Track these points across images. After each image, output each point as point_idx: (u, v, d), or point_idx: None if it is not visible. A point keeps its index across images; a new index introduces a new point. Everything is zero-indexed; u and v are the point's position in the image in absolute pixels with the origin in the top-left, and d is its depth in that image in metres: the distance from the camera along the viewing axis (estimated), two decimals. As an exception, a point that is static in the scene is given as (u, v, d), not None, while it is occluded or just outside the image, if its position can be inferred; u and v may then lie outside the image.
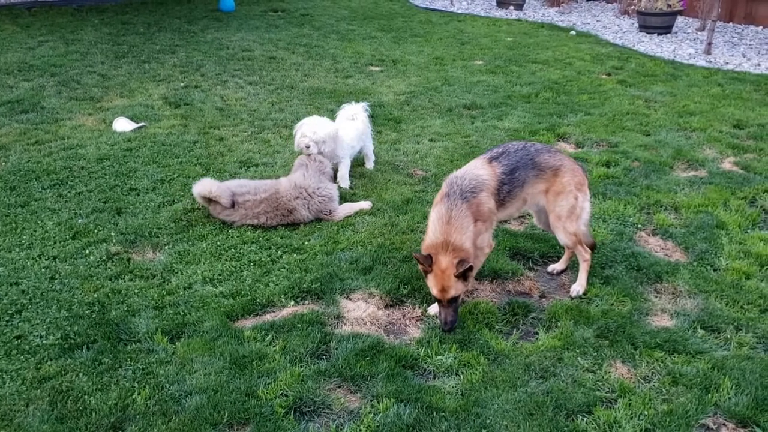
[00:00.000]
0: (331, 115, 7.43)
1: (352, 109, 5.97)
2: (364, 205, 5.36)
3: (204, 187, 5.04)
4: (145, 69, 9.20)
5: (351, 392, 3.45)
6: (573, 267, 4.54)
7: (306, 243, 4.83)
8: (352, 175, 5.83)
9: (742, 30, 12.16)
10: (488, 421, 3.22)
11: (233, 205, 4.98)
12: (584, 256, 4.28)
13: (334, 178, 5.61)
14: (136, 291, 4.22)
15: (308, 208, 5.05)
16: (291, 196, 5.01)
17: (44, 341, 3.73)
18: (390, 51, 10.53)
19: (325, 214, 5.15)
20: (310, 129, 5.40)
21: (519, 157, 4.08)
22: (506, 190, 4.01)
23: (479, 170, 4.03)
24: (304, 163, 5.30)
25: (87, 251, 4.66)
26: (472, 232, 3.83)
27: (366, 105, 6.08)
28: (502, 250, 4.73)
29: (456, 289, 3.72)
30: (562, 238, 4.21)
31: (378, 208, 5.35)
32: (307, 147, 5.37)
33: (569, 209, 4.10)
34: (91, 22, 11.98)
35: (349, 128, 5.82)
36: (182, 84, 8.56)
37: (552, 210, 4.14)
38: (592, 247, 4.45)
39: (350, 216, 5.22)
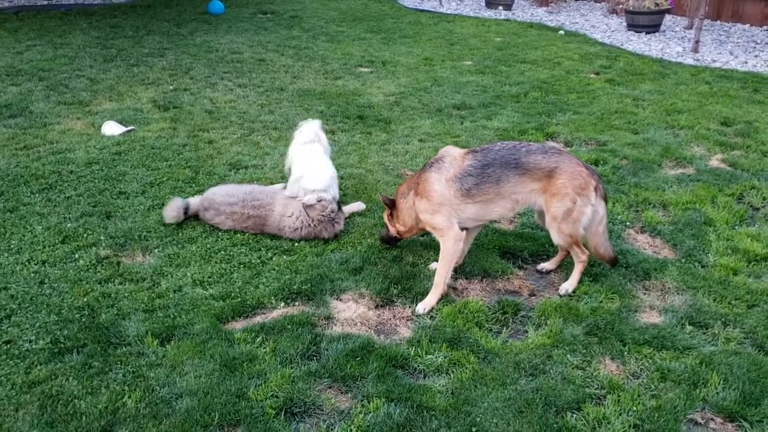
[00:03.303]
0: (323, 115, 7.46)
1: (312, 129, 5.45)
2: (358, 207, 5.35)
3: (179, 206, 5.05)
4: (134, 72, 9.18)
5: (341, 392, 3.46)
6: (563, 266, 4.57)
7: (296, 244, 4.83)
8: (341, 176, 5.74)
9: (730, 28, 12.24)
10: (478, 419, 3.24)
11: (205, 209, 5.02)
12: (580, 257, 4.28)
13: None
14: (125, 294, 4.21)
15: (294, 235, 4.94)
16: (275, 227, 4.93)
17: (34, 346, 3.72)
18: (379, 52, 10.55)
19: None
20: (312, 183, 5.01)
21: (500, 156, 4.11)
22: (471, 182, 4.08)
23: (448, 155, 4.22)
24: (301, 216, 4.89)
25: (76, 255, 4.64)
26: (411, 199, 4.29)
27: (319, 122, 5.61)
28: (491, 249, 4.75)
29: (385, 216, 4.60)
30: (556, 239, 4.21)
31: (368, 209, 5.36)
32: (320, 200, 4.89)
33: (565, 212, 4.07)
34: (79, 25, 11.94)
35: (316, 162, 5.22)
36: (171, 87, 8.54)
37: (548, 210, 4.14)
38: (613, 262, 4.40)
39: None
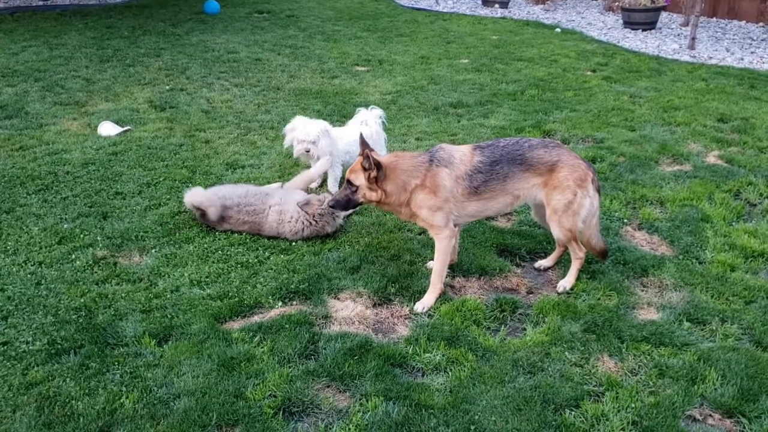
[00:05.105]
0: (319, 115, 7.45)
1: (365, 115, 5.84)
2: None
3: (195, 197, 4.95)
4: (130, 72, 9.16)
5: (340, 391, 3.45)
6: (560, 263, 4.56)
7: (293, 244, 4.82)
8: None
9: (726, 25, 12.26)
10: (477, 417, 3.24)
11: (222, 219, 4.91)
12: (578, 254, 4.29)
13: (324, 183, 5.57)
14: (123, 295, 4.20)
15: (296, 237, 4.93)
16: (273, 231, 4.89)
17: (31, 347, 3.71)
18: (376, 51, 10.54)
19: None
20: (303, 131, 5.38)
21: (506, 152, 4.11)
22: (481, 179, 4.07)
23: (457, 151, 4.16)
24: (300, 217, 4.86)
25: (73, 256, 4.63)
26: (413, 185, 4.06)
27: (381, 113, 5.93)
28: (489, 247, 4.74)
29: (356, 176, 4.10)
30: (556, 232, 4.22)
31: (365, 208, 5.35)
32: (308, 151, 5.38)
33: (565, 204, 4.10)
34: (74, 26, 11.91)
35: (349, 133, 5.67)
36: (167, 87, 8.53)
37: (548, 204, 4.16)
38: (603, 254, 4.42)
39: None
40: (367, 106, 6.06)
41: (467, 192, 4.09)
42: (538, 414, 3.25)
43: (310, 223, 4.82)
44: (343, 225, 5.02)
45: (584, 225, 4.21)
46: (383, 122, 5.94)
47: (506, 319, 4.05)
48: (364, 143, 4.10)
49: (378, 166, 4.03)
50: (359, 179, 4.11)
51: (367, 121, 5.78)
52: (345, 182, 4.19)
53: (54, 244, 4.78)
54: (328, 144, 5.47)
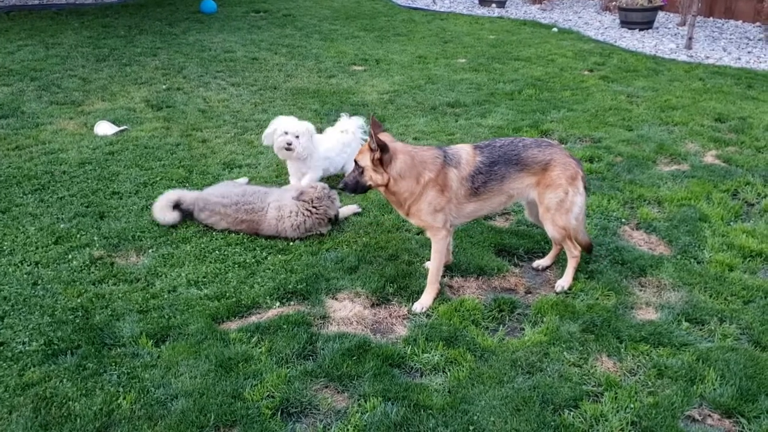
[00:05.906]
0: (316, 115, 7.44)
1: (346, 123, 5.87)
2: (353, 210, 5.30)
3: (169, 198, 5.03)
4: (127, 72, 9.12)
5: (338, 392, 3.44)
6: (558, 263, 4.56)
7: (291, 243, 4.81)
8: (337, 175, 5.76)
9: (722, 25, 12.28)
10: (475, 418, 3.23)
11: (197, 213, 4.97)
12: (573, 253, 4.30)
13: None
14: (119, 295, 4.18)
15: (298, 232, 4.92)
16: (272, 230, 4.87)
17: (27, 347, 3.69)
18: (373, 50, 10.52)
19: None
20: (287, 126, 5.41)
21: (503, 152, 4.12)
22: (481, 180, 4.08)
23: (463, 151, 4.16)
24: (299, 209, 4.85)
25: (70, 256, 4.61)
26: (425, 178, 3.99)
27: (361, 122, 5.92)
28: (487, 247, 4.74)
29: (362, 157, 4.01)
30: (550, 231, 4.23)
31: (363, 208, 5.34)
32: (289, 144, 5.37)
33: (558, 202, 4.12)
34: (71, 25, 11.86)
35: (329, 139, 5.76)
36: (164, 86, 8.50)
37: (542, 202, 4.18)
38: (588, 248, 4.45)
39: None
40: (357, 110, 6.08)
41: (468, 193, 4.10)
42: (537, 414, 3.24)
43: (311, 211, 4.81)
44: (341, 223, 5.01)
45: (576, 222, 4.23)
46: (364, 131, 5.88)
47: (504, 319, 4.05)
48: (375, 123, 3.98)
49: (383, 148, 3.89)
50: (364, 160, 3.99)
51: (347, 129, 5.81)
52: (354, 163, 4.10)
53: (50, 244, 4.75)
54: (309, 144, 5.47)
